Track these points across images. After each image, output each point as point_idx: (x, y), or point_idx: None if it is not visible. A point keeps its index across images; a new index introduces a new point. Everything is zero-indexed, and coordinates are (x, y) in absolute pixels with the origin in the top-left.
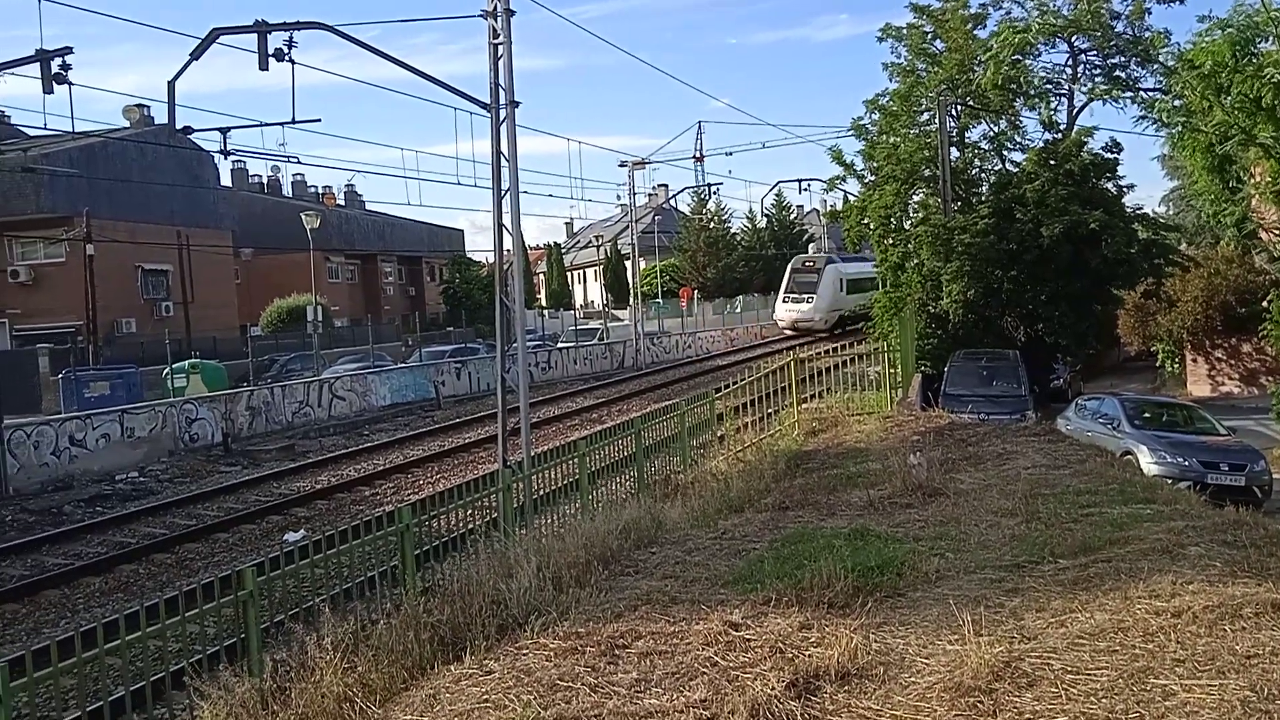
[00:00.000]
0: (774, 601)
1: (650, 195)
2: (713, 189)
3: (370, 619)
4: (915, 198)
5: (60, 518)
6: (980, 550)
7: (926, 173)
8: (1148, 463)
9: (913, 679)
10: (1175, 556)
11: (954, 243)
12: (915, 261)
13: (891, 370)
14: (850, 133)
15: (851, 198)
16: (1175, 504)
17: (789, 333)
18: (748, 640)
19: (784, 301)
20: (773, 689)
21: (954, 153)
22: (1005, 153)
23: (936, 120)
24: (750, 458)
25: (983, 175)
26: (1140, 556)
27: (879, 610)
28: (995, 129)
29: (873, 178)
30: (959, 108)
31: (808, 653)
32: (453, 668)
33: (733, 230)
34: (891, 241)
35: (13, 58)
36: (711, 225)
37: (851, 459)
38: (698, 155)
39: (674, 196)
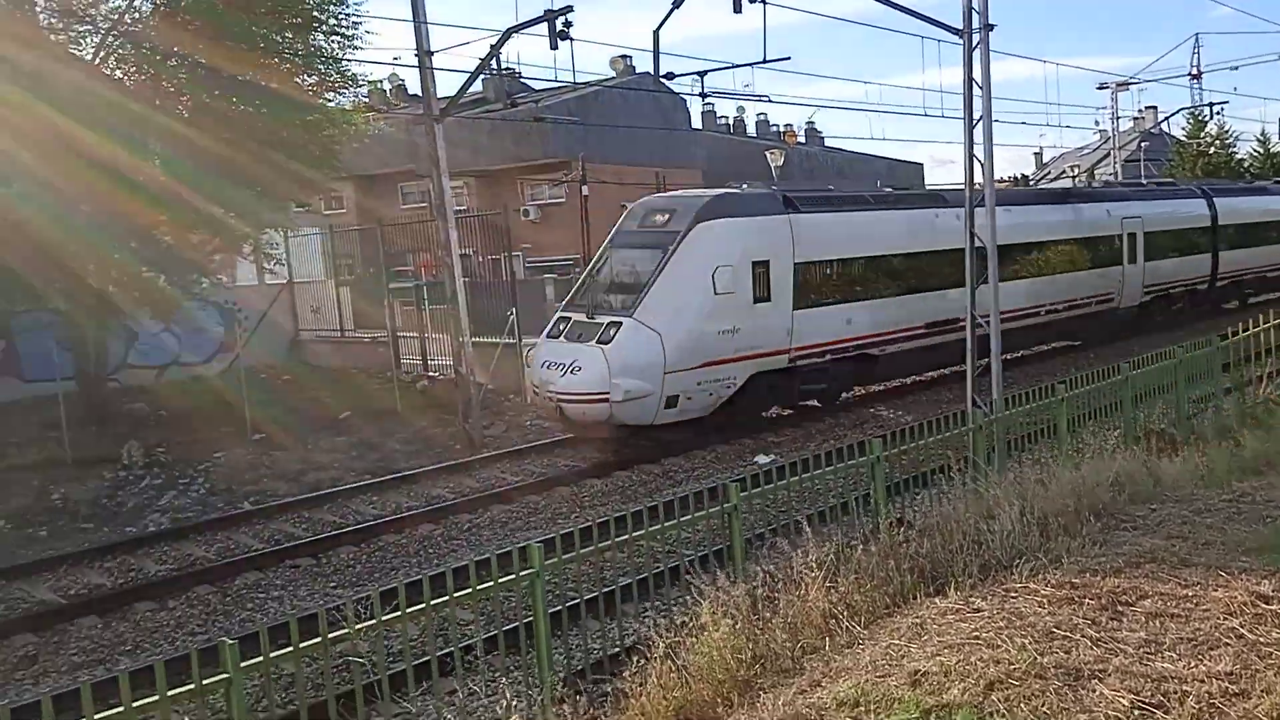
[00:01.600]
0: None
1: (1135, 119)
2: (1214, 109)
3: (847, 543)
4: None
5: None
6: None
7: None
8: None
9: None
10: None
11: None
12: None
13: None
14: None
15: None
16: None
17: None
18: None
19: (548, 335)
20: None
21: None
22: None
23: None
24: (1262, 415)
25: None
26: None
27: None
28: None
29: None
30: None
31: None
32: (936, 601)
33: (1239, 155)
34: None
35: (523, 20)
36: (1212, 150)
37: None
38: (1194, 72)
39: (1165, 120)
